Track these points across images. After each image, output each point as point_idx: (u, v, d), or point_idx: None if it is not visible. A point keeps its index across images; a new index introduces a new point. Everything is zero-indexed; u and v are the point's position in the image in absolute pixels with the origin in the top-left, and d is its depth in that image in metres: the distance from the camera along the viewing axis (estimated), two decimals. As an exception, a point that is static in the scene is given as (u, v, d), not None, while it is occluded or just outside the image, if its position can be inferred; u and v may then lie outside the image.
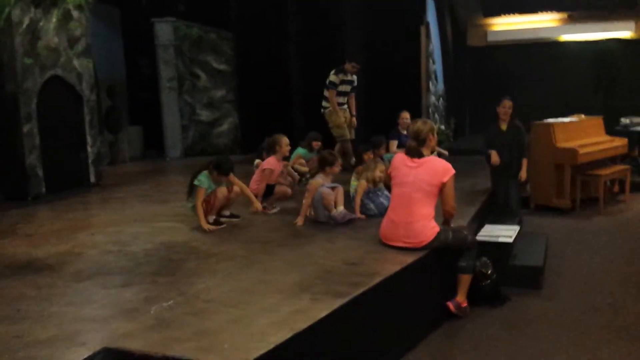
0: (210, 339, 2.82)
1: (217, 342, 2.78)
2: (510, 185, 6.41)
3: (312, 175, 5.77)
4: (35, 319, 3.13)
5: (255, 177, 5.88)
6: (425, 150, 4.27)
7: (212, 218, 5.16)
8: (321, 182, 5.12)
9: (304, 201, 5.17)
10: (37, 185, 7.11)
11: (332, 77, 8.00)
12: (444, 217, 4.35)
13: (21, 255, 4.47)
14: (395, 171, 4.34)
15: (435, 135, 4.35)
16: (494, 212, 6.18)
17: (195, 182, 5.03)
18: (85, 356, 2.69)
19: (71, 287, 3.69)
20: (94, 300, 3.42)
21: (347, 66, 8.01)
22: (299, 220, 5.09)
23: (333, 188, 5.13)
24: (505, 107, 6.38)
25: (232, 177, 5.21)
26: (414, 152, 4.25)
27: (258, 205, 5.34)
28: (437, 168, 4.18)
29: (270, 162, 5.81)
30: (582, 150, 7.18)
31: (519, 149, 6.41)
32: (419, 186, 4.13)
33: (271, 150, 5.91)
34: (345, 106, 8.26)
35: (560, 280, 5.04)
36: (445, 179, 4.14)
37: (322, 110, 8.21)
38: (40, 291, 3.60)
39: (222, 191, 5.15)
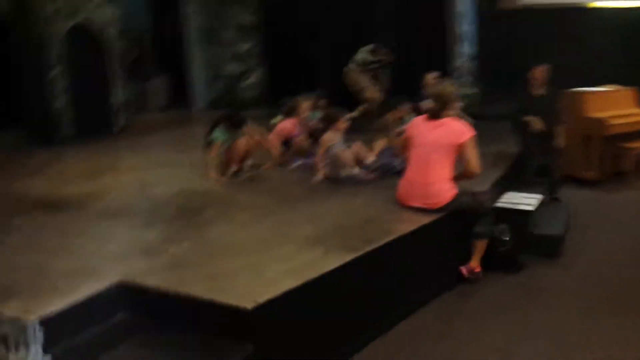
0: (223, 281, 2.90)
1: (229, 284, 2.86)
2: (547, 153, 6.22)
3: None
4: (57, 252, 3.25)
5: (272, 137, 5.76)
6: (445, 113, 4.21)
7: (233, 170, 5.19)
8: (332, 138, 5.08)
9: (315, 158, 5.15)
10: (65, 128, 7.23)
11: (361, 55, 8.09)
12: (465, 177, 4.29)
13: (47, 193, 4.60)
14: (414, 131, 4.30)
15: (458, 98, 4.29)
16: (524, 181, 6.02)
17: (211, 138, 5.07)
18: (102, 289, 2.78)
19: (93, 224, 3.80)
20: (114, 238, 3.53)
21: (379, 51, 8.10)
22: (317, 178, 5.08)
23: (350, 146, 5.09)
24: (542, 71, 6.10)
25: (249, 128, 5.21)
26: (434, 114, 4.20)
27: (276, 159, 5.34)
28: (454, 129, 4.13)
29: (287, 126, 5.76)
30: (612, 121, 7.00)
31: (555, 115, 6.19)
32: (436, 147, 4.10)
33: (290, 113, 5.84)
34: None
35: (579, 251, 4.99)
36: (462, 140, 4.09)
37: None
38: (63, 226, 3.73)
39: (241, 142, 5.16)
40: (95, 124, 7.74)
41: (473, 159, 4.15)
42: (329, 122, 5.19)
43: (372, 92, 7.97)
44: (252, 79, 11.67)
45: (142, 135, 7.92)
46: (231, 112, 5.27)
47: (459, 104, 4.35)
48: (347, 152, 5.05)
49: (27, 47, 7.04)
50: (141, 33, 11.00)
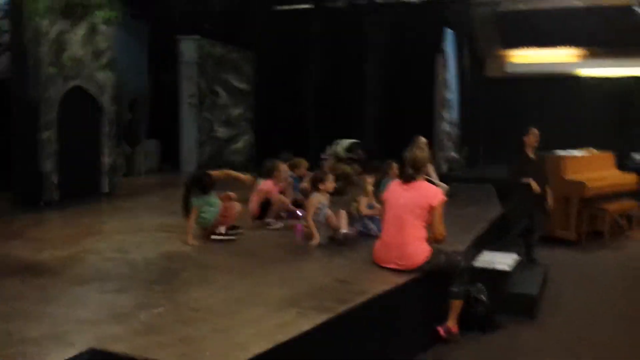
0: (193, 346, 2.90)
1: (199, 349, 2.87)
2: (537, 213, 6.39)
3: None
4: (28, 318, 3.25)
5: (253, 197, 5.94)
6: (419, 177, 4.34)
7: (223, 229, 5.27)
8: (319, 199, 5.18)
9: (308, 218, 5.18)
10: (51, 191, 7.28)
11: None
12: (433, 240, 4.37)
13: (26, 257, 4.61)
14: (388, 194, 4.43)
15: (430, 162, 4.44)
16: (506, 241, 6.11)
17: (188, 204, 5.16)
18: (72, 355, 2.79)
19: (68, 289, 3.80)
20: (88, 303, 3.54)
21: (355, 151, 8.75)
22: (314, 242, 5.06)
23: (336, 212, 5.17)
24: (535, 135, 6.41)
25: (226, 173, 5.50)
26: (408, 178, 4.32)
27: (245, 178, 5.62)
28: (427, 192, 4.26)
29: (267, 185, 5.92)
30: (590, 184, 7.17)
31: (544, 177, 6.42)
32: (410, 208, 4.20)
33: (269, 175, 6.00)
34: None
35: (556, 311, 5.03)
36: (434, 203, 4.20)
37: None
38: (38, 292, 3.73)
39: (237, 207, 5.33)
40: (82, 187, 7.80)
41: (438, 222, 4.24)
42: (316, 182, 5.30)
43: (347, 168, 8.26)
44: (241, 142, 11.89)
45: (128, 199, 7.99)
46: (198, 175, 5.39)
47: (431, 169, 4.47)
48: (333, 216, 5.13)
49: (23, 107, 7.18)
50: (135, 96, 11.26)
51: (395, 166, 6.02)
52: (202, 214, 5.18)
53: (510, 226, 6.38)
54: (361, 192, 5.61)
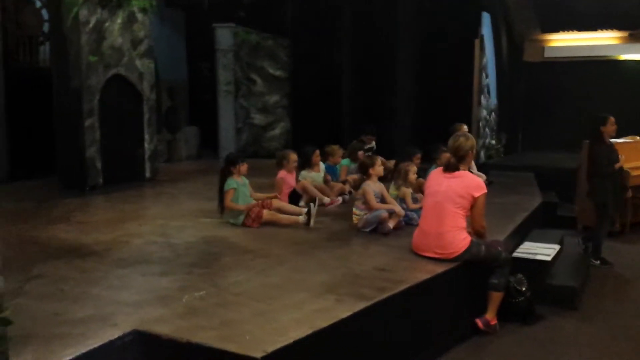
0: (233, 329, 2.95)
1: (239, 332, 2.91)
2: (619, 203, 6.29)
3: (357, 187, 5.83)
4: (74, 299, 3.35)
5: (276, 190, 6.04)
6: (462, 167, 4.28)
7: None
8: (372, 187, 5.18)
9: (372, 202, 5.12)
10: (95, 176, 7.48)
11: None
12: (475, 234, 4.32)
13: (71, 240, 4.76)
14: (429, 182, 4.38)
15: (474, 152, 4.36)
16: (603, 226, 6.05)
17: (225, 187, 5.34)
18: (116, 336, 2.87)
19: (112, 272, 3.91)
20: (132, 285, 3.63)
21: (365, 138, 8.51)
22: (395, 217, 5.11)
23: (391, 214, 5.11)
24: (613, 124, 6.05)
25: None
26: (452, 167, 4.26)
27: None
28: (470, 182, 4.19)
29: (281, 173, 6.09)
30: (634, 172, 6.96)
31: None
32: (450, 197, 4.15)
33: (279, 164, 6.16)
34: None
35: (598, 303, 4.93)
36: (477, 194, 4.14)
37: None
38: (83, 274, 3.84)
39: (265, 214, 5.37)
40: (125, 172, 7.98)
41: (480, 215, 4.20)
42: (365, 168, 5.31)
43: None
44: (278, 129, 11.96)
45: (169, 184, 8.14)
46: (228, 156, 5.66)
47: (473, 159, 4.40)
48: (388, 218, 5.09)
49: (65, 95, 7.37)
50: (176, 84, 11.42)
51: (445, 155, 5.89)
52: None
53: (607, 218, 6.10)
54: (401, 182, 5.53)
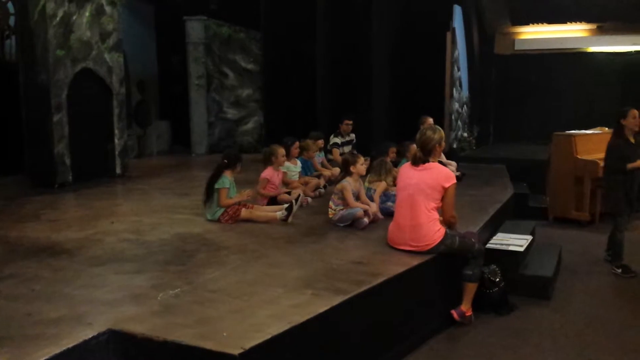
0: (210, 327, 2.92)
1: (216, 329, 2.89)
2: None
3: (332, 182, 5.81)
4: (47, 299, 3.29)
5: (258, 188, 5.92)
6: (432, 159, 4.30)
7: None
8: (352, 185, 5.15)
9: (350, 201, 5.09)
10: (64, 173, 7.34)
11: (333, 139, 8.50)
12: (447, 225, 4.36)
13: (42, 239, 4.66)
14: (401, 176, 4.42)
15: (443, 144, 4.38)
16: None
17: (218, 185, 5.23)
18: (91, 336, 2.82)
19: (85, 271, 3.84)
20: (105, 284, 3.57)
21: (342, 127, 8.50)
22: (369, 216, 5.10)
23: (365, 212, 5.09)
24: (635, 117, 5.66)
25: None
26: (419, 160, 4.29)
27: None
28: (439, 173, 4.22)
29: (267, 172, 5.91)
30: (603, 163, 7.10)
31: None
32: (422, 189, 4.18)
33: (267, 161, 5.98)
34: None
35: (570, 292, 5.02)
36: (446, 185, 4.18)
37: None
38: (55, 273, 3.77)
39: (243, 213, 5.31)
40: (95, 169, 7.86)
41: (450, 205, 4.25)
42: (347, 165, 5.25)
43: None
44: (251, 124, 11.88)
45: (141, 179, 8.03)
46: (228, 154, 5.47)
47: (441, 151, 4.42)
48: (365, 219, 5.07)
49: (33, 91, 7.20)
50: (145, 77, 11.25)
51: (413, 147, 5.91)
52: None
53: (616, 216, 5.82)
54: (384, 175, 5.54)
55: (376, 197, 5.42)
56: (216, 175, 5.29)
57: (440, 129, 4.43)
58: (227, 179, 5.29)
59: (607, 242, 5.91)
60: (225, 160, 5.35)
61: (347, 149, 8.35)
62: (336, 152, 8.33)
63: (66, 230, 4.93)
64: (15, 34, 8.39)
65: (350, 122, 8.48)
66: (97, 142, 7.99)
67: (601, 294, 5.01)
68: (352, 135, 8.66)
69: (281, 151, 6.01)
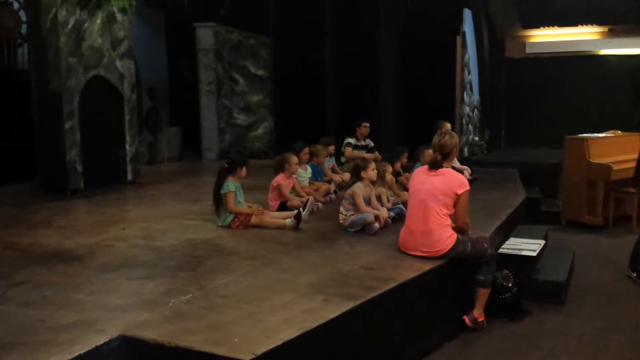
0: (221, 332, 2.91)
1: (227, 335, 2.88)
2: None
3: (343, 187, 5.80)
4: (59, 305, 3.29)
5: (270, 195, 5.96)
6: (446, 164, 4.28)
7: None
8: (362, 190, 5.13)
9: (361, 206, 5.06)
10: (76, 180, 7.39)
11: (348, 139, 8.53)
12: (458, 231, 4.33)
13: (54, 245, 4.68)
14: (413, 180, 4.39)
15: (458, 149, 4.37)
16: None
17: (223, 190, 5.24)
18: (102, 342, 2.82)
19: (96, 277, 3.85)
20: (117, 290, 3.57)
21: (360, 130, 8.51)
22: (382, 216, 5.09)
23: (376, 217, 5.05)
24: None
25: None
26: (437, 165, 4.26)
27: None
28: (453, 179, 4.20)
29: (279, 180, 5.92)
30: (616, 167, 7.04)
31: None
32: (434, 194, 4.15)
33: (280, 168, 5.99)
34: None
35: (584, 297, 4.97)
36: (460, 191, 4.15)
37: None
38: (67, 279, 3.78)
39: (253, 220, 5.30)
40: (106, 175, 7.90)
41: (463, 212, 4.22)
42: (357, 171, 5.22)
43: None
44: (261, 129, 11.91)
45: (151, 186, 8.06)
46: (232, 160, 5.51)
47: (456, 156, 4.41)
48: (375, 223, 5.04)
49: (45, 98, 7.26)
50: (156, 84, 11.31)
51: (427, 152, 5.86)
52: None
53: None
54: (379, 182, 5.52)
55: (384, 201, 5.40)
56: (220, 182, 5.31)
57: (455, 134, 4.45)
58: (231, 183, 5.30)
59: (631, 255, 5.57)
60: (226, 165, 5.38)
61: (359, 152, 8.33)
62: (349, 150, 8.31)
63: (78, 237, 4.96)
64: (27, 42, 8.48)
65: (368, 125, 8.47)
66: (109, 149, 8.04)
67: (615, 299, 4.95)
68: (369, 141, 8.65)
69: (294, 159, 6.03)
